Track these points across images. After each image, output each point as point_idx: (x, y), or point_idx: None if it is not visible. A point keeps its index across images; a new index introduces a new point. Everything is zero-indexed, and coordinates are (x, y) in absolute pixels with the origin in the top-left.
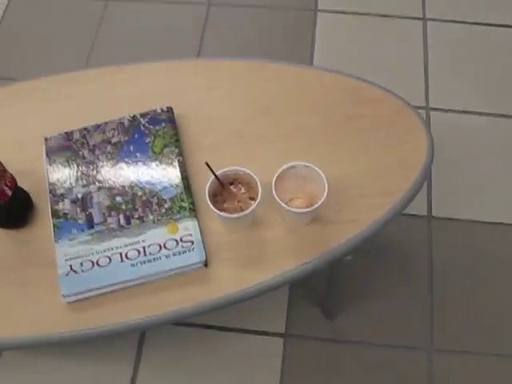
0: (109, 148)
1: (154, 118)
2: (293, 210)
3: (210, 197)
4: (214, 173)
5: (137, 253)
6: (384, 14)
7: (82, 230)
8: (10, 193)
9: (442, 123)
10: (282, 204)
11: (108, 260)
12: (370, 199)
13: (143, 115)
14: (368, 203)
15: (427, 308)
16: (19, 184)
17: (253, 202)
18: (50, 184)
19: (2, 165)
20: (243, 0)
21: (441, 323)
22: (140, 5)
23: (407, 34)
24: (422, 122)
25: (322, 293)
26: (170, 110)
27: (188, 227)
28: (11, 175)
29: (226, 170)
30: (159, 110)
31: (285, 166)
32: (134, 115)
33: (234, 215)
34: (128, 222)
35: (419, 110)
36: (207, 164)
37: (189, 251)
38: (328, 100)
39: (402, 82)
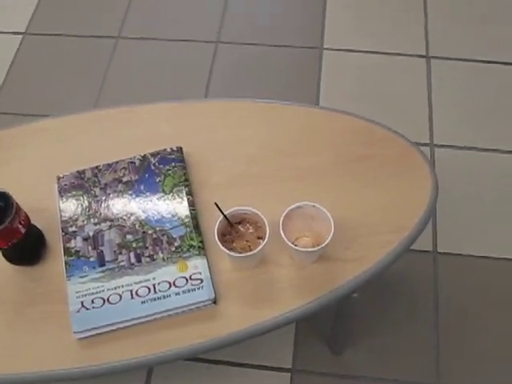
0: (120, 187)
1: (164, 157)
2: (299, 249)
3: (218, 236)
4: (222, 212)
5: (147, 290)
6: (388, 52)
7: (94, 268)
8: (23, 230)
9: (446, 159)
10: (289, 243)
11: (119, 297)
12: (377, 237)
13: (153, 155)
14: (375, 241)
15: (433, 343)
16: (32, 221)
17: (261, 242)
18: (62, 222)
19: (16, 203)
20: (250, 38)
21: (446, 358)
22: (149, 43)
23: (411, 71)
24: (427, 161)
25: (329, 328)
26: (179, 149)
27: (197, 265)
28: (25, 213)
29: (234, 209)
30: (169, 150)
31: (292, 206)
32: (145, 155)
33: (243, 254)
34: (138, 260)
35: (424, 147)
36: (216, 204)
37: (198, 289)
38: (335, 140)
39: (406, 119)
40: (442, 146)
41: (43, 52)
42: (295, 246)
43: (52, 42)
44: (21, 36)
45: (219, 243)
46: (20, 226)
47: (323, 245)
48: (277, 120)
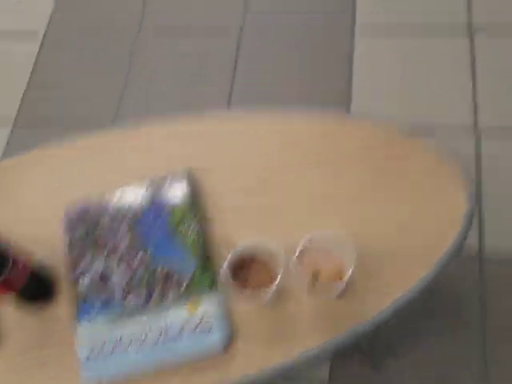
0: (127, 219)
1: (171, 184)
2: (317, 286)
3: (230, 273)
4: (233, 253)
5: (157, 335)
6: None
7: (103, 310)
8: (25, 278)
9: (494, 152)
10: (305, 282)
11: (129, 342)
12: (403, 264)
13: (161, 181)
14: (401, 268)
15: (480, 356)
16: (38, 256)
17: (275, 277)
18: (69, 259)
19: (14, 252)
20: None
21: (495, 369)
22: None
23: (452, 53)
24: (461, 170)
25: (367, 341)
26: (187, 174)
27: (208, 306)
28: (25, 259)
29: (246, 243)
30: (176, 175)
31: (308, 236)
32: (152, 181)
33: (256, 293)
34: (147, 301)
35: (469, 139)
36: (228, 249)
37: (209, 331)
38: (356, 154)
39: (446, 110)
40: (490, 137)
41: (61, 62)
42: (315, 277)
43: (71, 51)
44: None
45: (230, 281)
46: (21, 274)
47: (344, 279)
48: (290, 136)
